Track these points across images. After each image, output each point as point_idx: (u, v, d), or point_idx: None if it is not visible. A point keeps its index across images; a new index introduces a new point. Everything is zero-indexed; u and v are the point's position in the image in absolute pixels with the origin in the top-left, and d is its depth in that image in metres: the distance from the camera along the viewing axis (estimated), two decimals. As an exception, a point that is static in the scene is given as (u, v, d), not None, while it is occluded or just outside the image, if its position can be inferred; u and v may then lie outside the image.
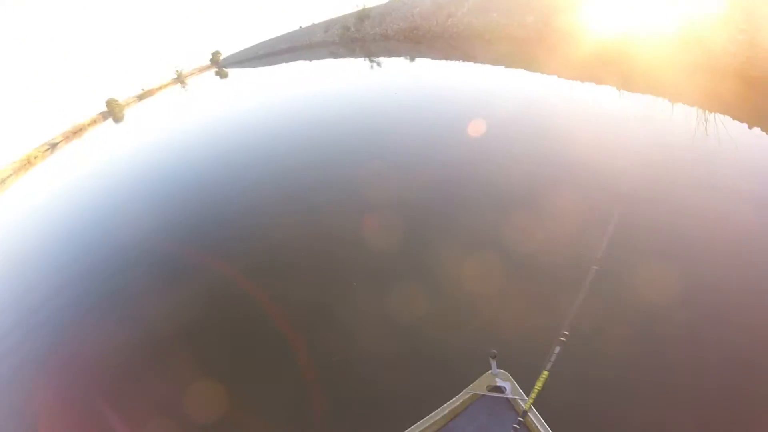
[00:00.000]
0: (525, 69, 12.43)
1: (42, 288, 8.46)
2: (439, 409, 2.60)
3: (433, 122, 10.20)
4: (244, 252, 7.03)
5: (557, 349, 2.51)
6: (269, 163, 11.22)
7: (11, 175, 32.19)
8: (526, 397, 2.50)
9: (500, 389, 2.62)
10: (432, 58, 19.58)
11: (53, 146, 41.04)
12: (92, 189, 16.61)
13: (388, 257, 5.66)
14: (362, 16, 35.15)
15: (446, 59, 17.93)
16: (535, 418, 2.42)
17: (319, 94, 19.08)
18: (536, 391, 2.44)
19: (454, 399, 2.63)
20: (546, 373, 2.47)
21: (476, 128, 8.70)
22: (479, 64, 15.07)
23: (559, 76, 10.87)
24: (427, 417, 2.58)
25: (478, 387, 2.66)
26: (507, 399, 2.58)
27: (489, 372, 2.67)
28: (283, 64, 38.75)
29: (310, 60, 34.70)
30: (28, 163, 35.42)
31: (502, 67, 13.42)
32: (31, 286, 8.78)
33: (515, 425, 2.36)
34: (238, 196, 9.61)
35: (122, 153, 23.23)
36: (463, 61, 16.42)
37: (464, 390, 2.66)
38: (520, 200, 6.06)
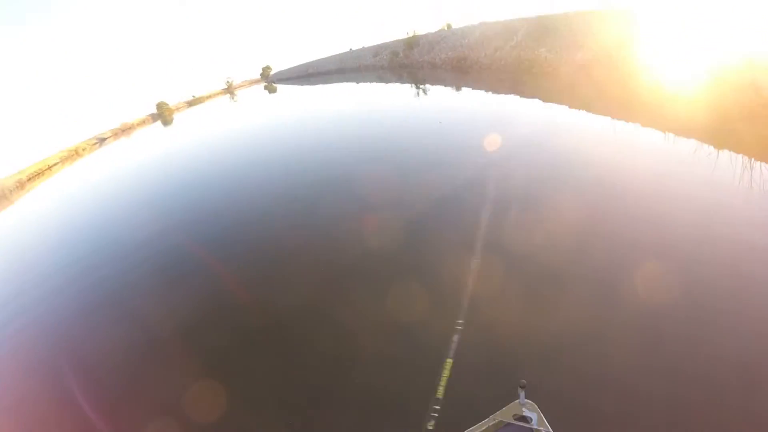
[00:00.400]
0: (569, 106, 12.04)
1: (53, 279, 8.63)
2: None
3: (466, 153, 9.97)
4: (266, 259, 7.07)
5: (455, 337, 2.81)
6: (305, 177, 11.20)
7: (58, 163, 33.48)
8: (551, 429, 2.52)
9: (526, 419, 2.62)
10: (478, 89, 19.20)
11: (101, 141, 42.81)
12: (128, 185, 17.27)
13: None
14: (411, 43, 35.45)
15: (493, 91, 17.56)
16: None
17: (363, 116, 19.11)
18: (445, 378, 2.62)
19: (479, 424, 2.64)
20: (450, 360, 2.71)
21: (507, 161, 8.64)
22: (526, 99, 14.49)
23: (602, 114, 10.56)
24: None
25: (505, 415, 2.68)
26: (532, 429, 2.57)
27: (516, 401, 2.69)
28: (332, 85, 39.46)
29: (358, 82, 35.16)
30: (76, 153, 36.88)
31: (553, 103, 12.86)
32: (48, 275, 9.02)
33: None
34: (270, 207, 9.66)
35: (164, 154, 24.05)
36: (510, 94, 16.00)
37: (490, 416, 2.67)
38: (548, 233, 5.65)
